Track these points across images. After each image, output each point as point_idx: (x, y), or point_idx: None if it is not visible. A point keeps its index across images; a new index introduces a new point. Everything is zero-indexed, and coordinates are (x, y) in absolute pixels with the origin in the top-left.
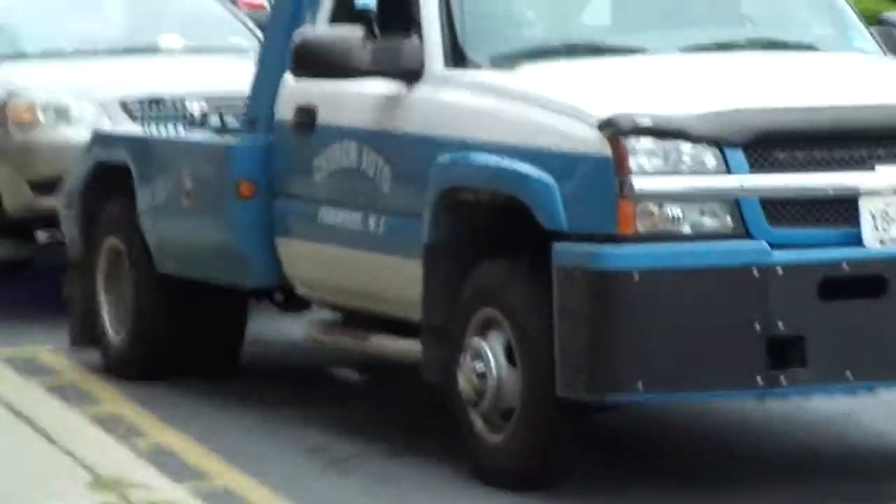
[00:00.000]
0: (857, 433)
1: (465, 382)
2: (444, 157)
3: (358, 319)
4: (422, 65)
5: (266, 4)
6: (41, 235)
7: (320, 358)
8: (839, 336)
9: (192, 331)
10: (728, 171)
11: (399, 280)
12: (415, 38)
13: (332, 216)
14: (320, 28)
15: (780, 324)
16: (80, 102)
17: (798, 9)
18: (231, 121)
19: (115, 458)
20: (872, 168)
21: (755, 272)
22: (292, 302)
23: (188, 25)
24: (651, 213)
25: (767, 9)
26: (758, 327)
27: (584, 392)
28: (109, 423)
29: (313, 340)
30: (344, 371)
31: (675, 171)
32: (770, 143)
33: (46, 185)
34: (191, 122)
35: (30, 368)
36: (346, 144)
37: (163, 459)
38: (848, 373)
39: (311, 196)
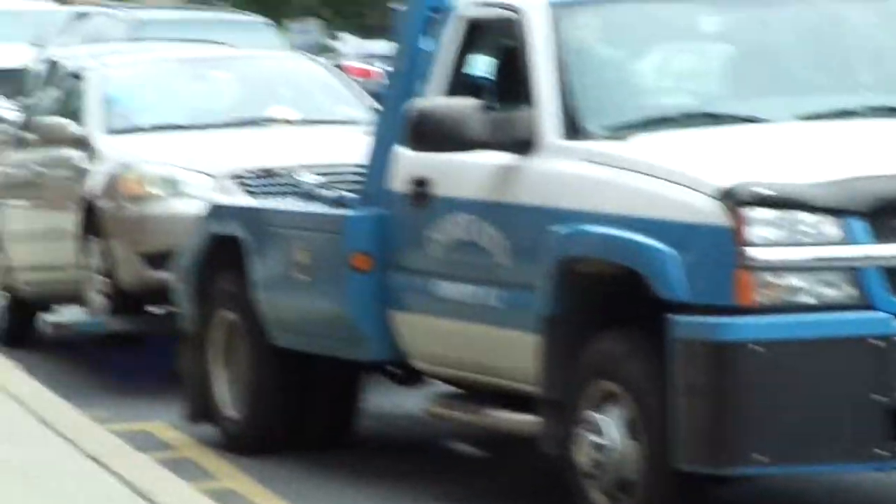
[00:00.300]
0: None
1: (583, 456)
2: (559, 229)
3: (474, 393)
4: (536, 136)
5: (372, 70)
6: (154, 309)
7: (436, 432)
8: None
9: (307, 404)
10: (849, 240)
11: (516, 353)
12: (529, 109)
13: (447, 289)
14: (434, 99)
15: None
16: (192, 175)
17: None
18: (344, 193)
19: None
20: None
21: (877, 343)
22: (408, 375)
23: (299, 97)
24: (770, 284)
25: (884, 75)
26: (880, 398)
27: (705, 465)
28: (226, 498)
29: (429, 414)
30: (460, 445)
31: (795, 242)
32: (893, 211)
33: (158, 259)
34: (303, 193)
35: (146, 443)
36: (461, 216)
37: None
38: None
39: (425, 269)
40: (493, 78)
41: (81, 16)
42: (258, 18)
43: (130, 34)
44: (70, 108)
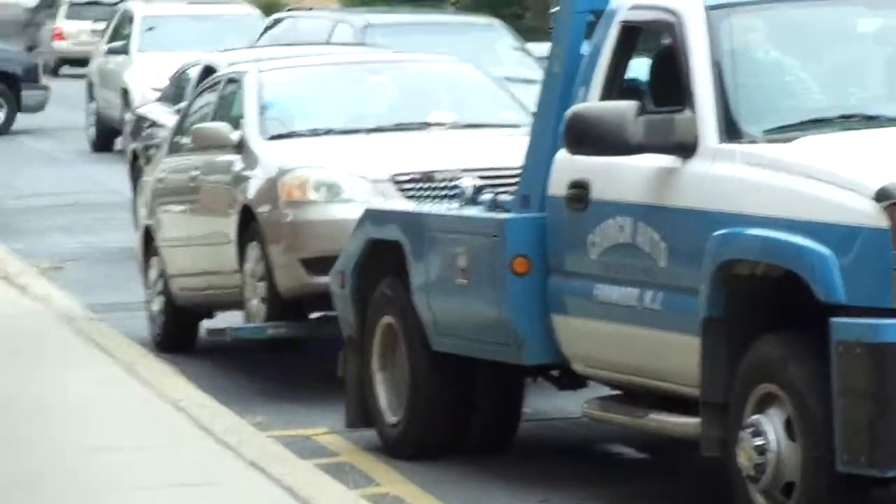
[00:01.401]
0: None
1: (744, 458)
2: (720, 232)
3: (635, 396)
4: (696, 139)
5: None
6: (314, 314)
7: (598, 436)
8: None
9: (468, 408)
10: None
11: (676, 356)
12: (688, 112)
13: (606, 292)
14: (593, 103)
15: None
16: (352, 179)
17: None
18: (504, 197)
19: None
20: None
21: None
22: (569, 379)
23: (458, 101)
24: None
25: None
26: None
27: (865, 467)
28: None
29: (587, 416)
30: (622, 449)
31: None
32: None
33: (318, 264)
34: (463, 198)
35: (307, 449)
36: (621, 220)
37: None
38: None
39: (585, 272)
40: (651, 81)
41: (277, 21)
42: (491, 19)
43: (357, 38)
44: (228, 113)
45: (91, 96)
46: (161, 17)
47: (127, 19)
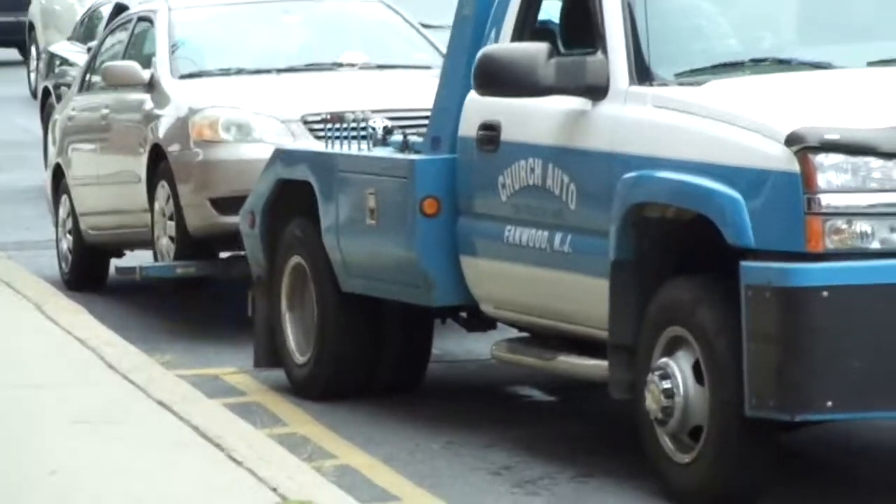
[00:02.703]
0: None
1: (652, 401)
2: (629, 174)
3: (544, 338)
4: (607, 81)
5: None
6: (223, 254)
7: (506, 378)
8: None
9: (377, 350)
10: None
11: (585, 298)
12: (599, 55)
13: (517, 234)
14: (504, 44)
15: None
16: (262, 119)
17: None
18: (414, 138)
19: (302, 479)
20: None
21: None
22: (478, 321)
23: (371, 42)
24: (840, 230)
25: None
26: None
27: (774, 411)
28: (295, 444)
29: (496, 359)
30: (530, 391)
31: (864, 187)
32: None
33: (228, 204)
34: (374, 139)
35: (215, 388)
36: (531, 162)
37: (349, 480)
38: None
39: (495, 214)
40: (562, 23)
41: None
42: None
43: None
44: (139, 51)
45: (30, 39)
46: None
47: None
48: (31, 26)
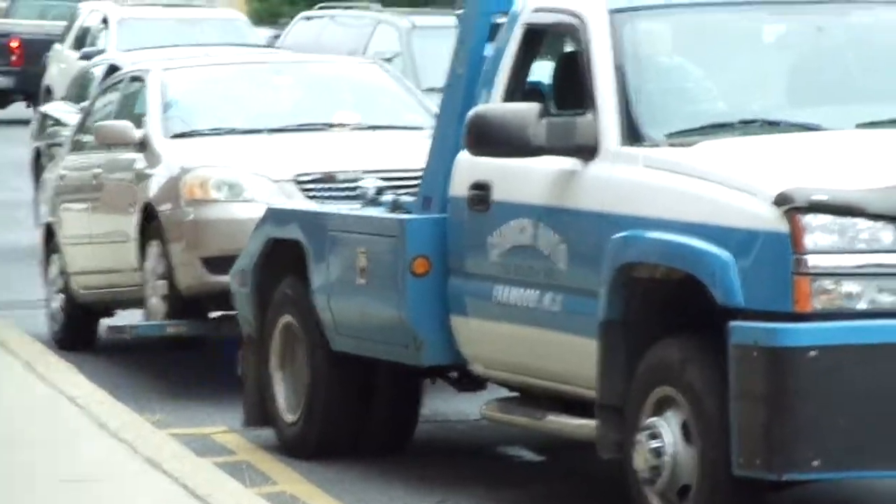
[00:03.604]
0: None
1: (640, 460)
2: (620, 234)
3: (534, 398)
4: (597, 141)
5: None
6: (214, 313)
7: (496, 437)
8: None
9: (366, 409)
10: None
11: (574, 358)
12: (590, 115)
13: (507, 294)
14: (495, 104)
15: None
16: (254, 179)
17: None
18: (405, 198)
19: None
20: None
21: None
22: (468, 381)
23: (363, 103)
24: (828, 290)
25: None
26: None
27: (761, 470)
28: (285, 502)
29: (486, 418)
30: (520, 451)
31: (853, 248)
32: None
33: (219, 263)
34: (365, 198)
35: (205, 448)
36: (521, 221)
37: None
38: None
39: (486, 273)
40: (553, 84)
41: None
42: None
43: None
44: (130, 111)
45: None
46: (139, 20)
47: (96, 20)
48: (49, 90)
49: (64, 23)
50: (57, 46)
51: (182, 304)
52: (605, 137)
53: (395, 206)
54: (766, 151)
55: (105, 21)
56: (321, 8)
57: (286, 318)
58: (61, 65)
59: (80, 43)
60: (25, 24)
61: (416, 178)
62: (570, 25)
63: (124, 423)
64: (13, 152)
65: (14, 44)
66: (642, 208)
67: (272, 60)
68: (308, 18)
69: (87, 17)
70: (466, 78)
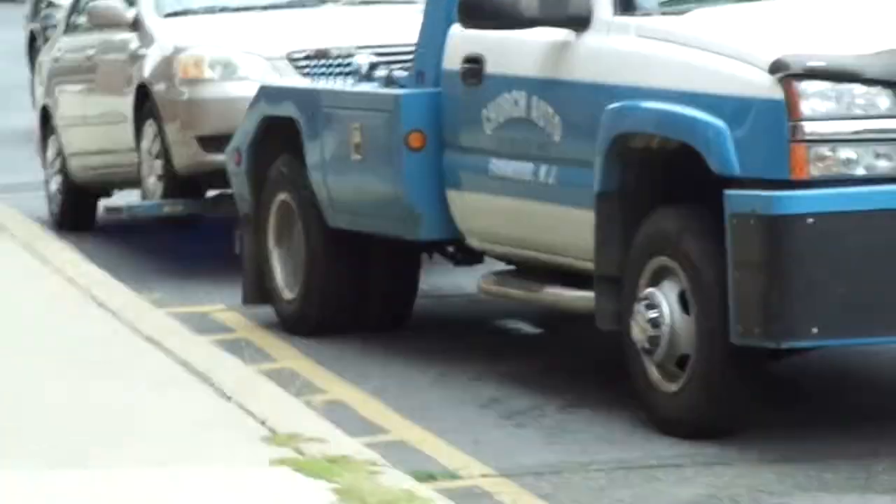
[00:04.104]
0: None
1: (638, 331)
2: (614, 105)
3: (531, 271)
4: (590, 12)
5: None
6: (210, 192)
7: (494, 311)
8: None
9: (364, 285)
10: None
11: (570, 230)
12: None
13: (502, 167)
14: None
15: None
16: (247, 58)
17: None
18: (399, 73)
19: (290, 413)
20: None
21: None
22: (465, 255)
23: None
24: (824, 157)
25: None
26: None
27: (759, 339)
28: (284, 379)
29: (483, 292)
30: (517, 324)
31: (848, 114)
32: None
33: (214, 142)
34: (358, 74)
35: (204, 325)
36: (515, 94)
37: (337, 414)
38: None
39: (480, 147)
40: None
41: None
42: None
43: None
44: None
45: None
46: None
47: None
48: None
49: None
50: None
51: (178, 183)
52: (597, 7)
53: (389, 82)
54: (760, 18)
55: None
56: None
57: (282, 196)
58: None
59: None
60: None
61: (409, 52)
62: None
63: (124, 303)
64: (8, 35)
65: None
66: (636, 78)
67: None
68: None
69: None
70: None
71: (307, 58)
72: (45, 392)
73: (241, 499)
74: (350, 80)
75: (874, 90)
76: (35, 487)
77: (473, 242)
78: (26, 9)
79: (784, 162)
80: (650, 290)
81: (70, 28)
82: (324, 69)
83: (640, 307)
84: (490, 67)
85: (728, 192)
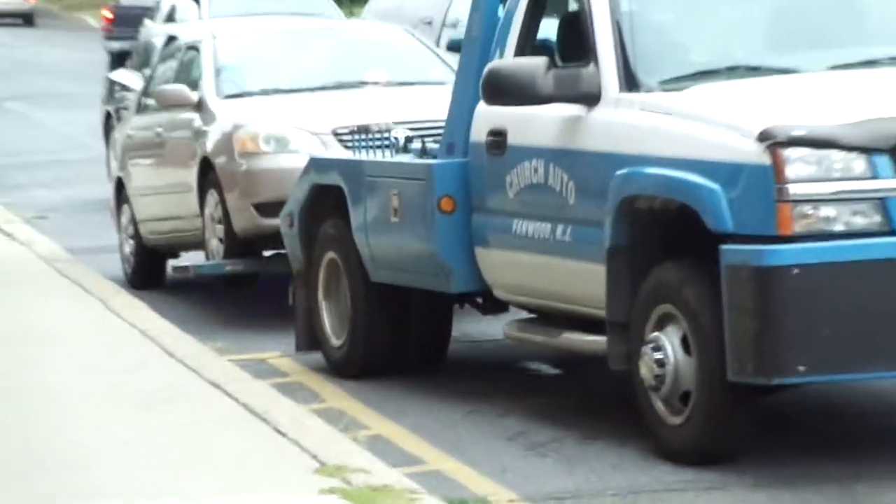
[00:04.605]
0: None
1: (646, 370)
2: (622, 171)
3: (550, 318)
4: (599, 90)
5: None
6: (266, 252)
7: (518, 354)
8: None
9: (403, 332)
10: (875, 175)
11: (584, 281)
12: (592, 67)
13: (523, 227)
14: (507, 59)
15: None
16: (298, 133)
17: None
18: (431, 145)
19: (338, 447)
20: None
21: None
22: (491, 305)
23: (391, 62)
24: (807, 215)
25: None
26: None
27: (753, 376)
28: (332, 417)
29: (507, 337)
30: (539, 365)
31: (828, 177)
32: None
33: (270, 208)
34: (395, 147)
35: (261, 370)
36: (535, 162)
37: (380, 448)
38: None
39: (504, 209)
40: (559, 39)
41: None
42: None
43: None
44: (187, 76)
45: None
46: None
47: None
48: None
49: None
50: (147, 21)
51: (238, 245)
52: (606, 86)
53: (423, 153)
54: (748, 93)
55: None
56: None
57: (330, 255)
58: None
59: (169, 18)
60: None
61: (440, 127)
62: None
63: (190, 352)
64: (86, 115)
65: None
66: (641, 147)
67: (310, 27)
68: None
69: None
70: (481, 38)
71: (350, 133)
72: (119, 432)
73: None
74: (388, 152)
75: (851, 155)
76: None
77: (499, 294)
78: (102, 92)
79: (772, 220)
80: (655, 333)
81: (141, 108)
82: (365, 142)
83: (647, 349)
84: (512, 139)
85: (723, 246)
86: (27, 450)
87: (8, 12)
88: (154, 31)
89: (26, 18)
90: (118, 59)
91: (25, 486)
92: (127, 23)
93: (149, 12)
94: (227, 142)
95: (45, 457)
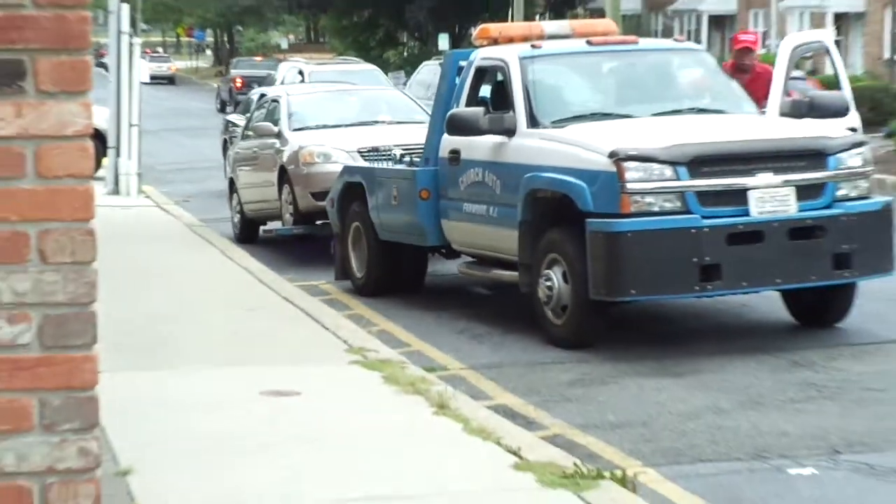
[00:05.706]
0: (754, 314)
1: (541, 292)
2: (528, 175)
3: (485, 261)
4: (515, 126)
5: None
6: (319, 222)
7: (466, 283)
8: (739, 263)
9: (398, 268)
10: (678, 178)
11: (506, 239)
12: (511, 113)
13: (470, 208)
14: (461, 108)
15: (707, 258)
16: (336, 151)
17: (714, 92)
18: (416, 159)
19: (359, 336)
20: (754, 174)
21: (693, 231)
22: (450, 253)
23: (393, 109)
24: (638, 202)
25: (698, 92)
26: (695, 259)
27: (604, 296)
28: (356, 318)
29: (462, 273)
30: (479, 290)
31: (649, 178)
32: (701, 162)
33: (320, 195)
34: (395, 160)
35: (314, 291)
36: (477, 169)
37: (384, 337)
38: (744, 283)
39: (459, 197)
40: (491, 97)
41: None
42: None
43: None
44: (272, 117)
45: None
46: (319, 72)
47: (293, 73)
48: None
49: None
50: (256, 87)
51: (301, 217)
52: (519, 124)
53: (411, 164)
54: (603, 129)
55: (301, 73)
56: (437, 58)
57: (356, 223)
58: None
59: (282, 83)
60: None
61: (421, 148)
62: (500, 65)
63: (272, 279)
64: (212, 142)
65: (238, 82)
66: (540, 161)
67: (345, 89)
68: (429, 65)
69: (286, 72)
70: (445, 95)
71: (367, 151)
72: (229, 325)
73: (331, 381)
74: (390, 163)
75: (664, 166)
76: (205, 378)
77: (455, 247)
78: (221, 126)
79: (616, 204)
80: (547, 271)
81: (243, 137)
82: (376, 157)
83: (542, 280)
84: (464, 155)
85: (588, 220)
86: (161, 333)
87: (160, 76)
88: (253, 91)
89: (170, 80)
90: (222, 107)
91: (151, 357)
92: (249, 85)
93: (264, 80)
94: (295, 156)
95: (175, 339)
